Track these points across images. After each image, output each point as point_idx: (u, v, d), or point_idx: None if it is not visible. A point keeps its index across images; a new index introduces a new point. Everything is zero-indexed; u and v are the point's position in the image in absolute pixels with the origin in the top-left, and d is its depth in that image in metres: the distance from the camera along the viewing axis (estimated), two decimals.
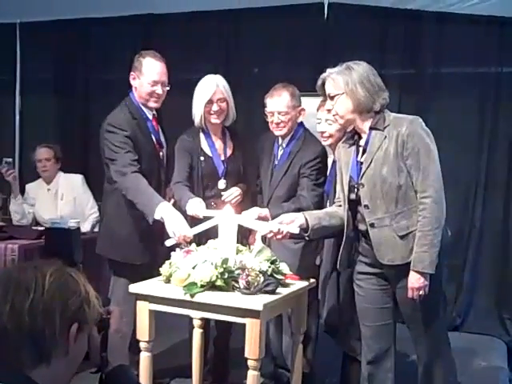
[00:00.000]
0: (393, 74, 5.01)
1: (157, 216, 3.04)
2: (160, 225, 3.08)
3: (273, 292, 2.69)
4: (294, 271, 3.07)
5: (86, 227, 4.42)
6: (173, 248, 2.97)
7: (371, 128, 2.76)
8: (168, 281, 2.81)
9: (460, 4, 4.92)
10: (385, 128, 2.73)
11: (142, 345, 2.87)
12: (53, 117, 6.25)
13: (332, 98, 2.78)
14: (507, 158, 5.04)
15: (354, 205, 2.84)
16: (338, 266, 2.98)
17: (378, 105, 2.74)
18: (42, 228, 4.30)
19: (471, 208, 5.10)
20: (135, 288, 2.85)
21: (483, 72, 5.07)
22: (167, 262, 2.86)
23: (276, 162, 3.54)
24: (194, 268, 2.73)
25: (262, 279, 2.67)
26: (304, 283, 2.97)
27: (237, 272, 2.71)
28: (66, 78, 6.20)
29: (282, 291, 2.76)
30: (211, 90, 3.44)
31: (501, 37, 4.91)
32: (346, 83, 2.72)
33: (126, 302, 3.32)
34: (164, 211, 3.03)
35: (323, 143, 3.42)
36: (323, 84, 2.82)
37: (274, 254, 3.00)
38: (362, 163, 2.78)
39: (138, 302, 2.84)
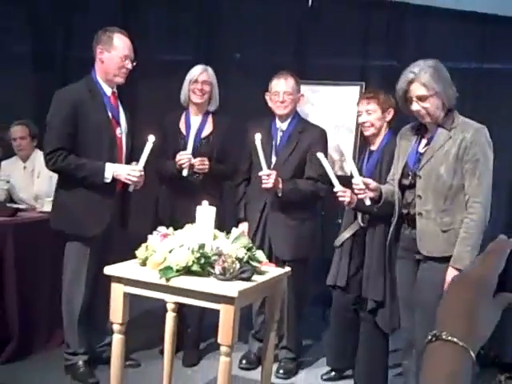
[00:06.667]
0: (375, 65, 5.04)
1: (108, 175, 3.29)
2: (114, 197, 3.41)
3: (248, 279, 2.69)
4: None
5: None
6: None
7: (439, 125, 2.87)
8: (144, 264, 2.80)
9: None
10: (451, 129, 2.84)
11: (115, 327, 2.85)
12: (29, 92, 6.14)
13: (423, 98, 2.85)
14: None
15: (403, 189, 2.99)
16: (387, 244, 3.13)
17: (454, 100, 2.88)
18: (18, 205, 4.24)
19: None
20: (110, 270, 2.82)
21: (464, 68, 5.10)
22: (143, 245, 2.84)
23: (278, 143, 3.71)
24: (170, 252, 2.72)
25: (237, 266, 2.67)
26: (280, 271, 2.98)
27: (213, 258, 2.70)
28: (44, 54, 6.10)
29: (258, 278, 2.76)
30: (198, 70, 3.81)
31: (482, 33, 4.94)
32: (437, 84, 2.82)
33: (77, 273, 3.43)
34: (112, 168, 3.31)
35: (365, 133, 3.56)
36: (409, 83, 2.87)
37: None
38: (421, 154, 2.90)
39: (113, 284, 2.81)
